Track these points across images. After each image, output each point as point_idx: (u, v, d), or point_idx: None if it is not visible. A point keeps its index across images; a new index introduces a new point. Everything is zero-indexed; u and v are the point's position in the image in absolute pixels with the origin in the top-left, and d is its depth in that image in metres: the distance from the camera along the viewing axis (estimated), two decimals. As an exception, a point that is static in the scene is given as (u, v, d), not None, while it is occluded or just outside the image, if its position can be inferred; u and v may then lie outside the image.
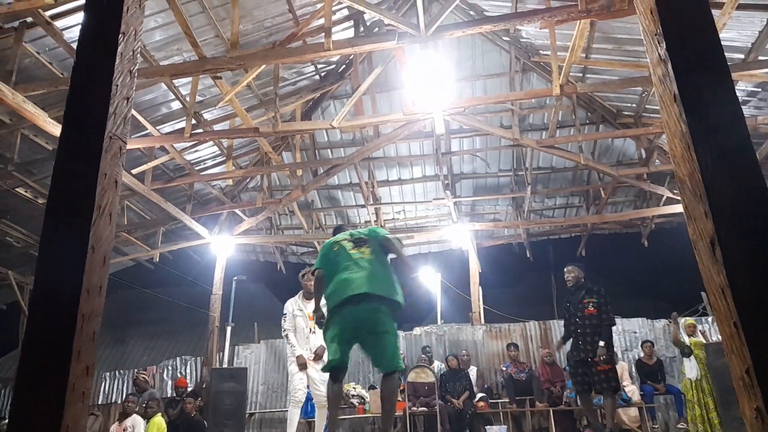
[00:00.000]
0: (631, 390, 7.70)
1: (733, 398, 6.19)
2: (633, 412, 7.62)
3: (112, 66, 2.12)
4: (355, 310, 3.62)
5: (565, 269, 6.21)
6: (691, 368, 7.37)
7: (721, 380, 6.60)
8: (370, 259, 3.86)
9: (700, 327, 8.14)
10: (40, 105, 5.82)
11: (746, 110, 7.54)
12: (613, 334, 9.37)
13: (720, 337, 1.79)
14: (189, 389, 9.07)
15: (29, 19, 5.65)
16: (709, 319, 9.05)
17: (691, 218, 1.86)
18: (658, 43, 2.05)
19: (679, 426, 7.88)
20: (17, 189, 8.07)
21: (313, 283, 4.52)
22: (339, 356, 3.71)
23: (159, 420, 7.21)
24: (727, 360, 1.74)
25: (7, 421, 1.79)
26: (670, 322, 8.86)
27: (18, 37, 5.67)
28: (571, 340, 5.96)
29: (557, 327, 9.81)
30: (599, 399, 7.44)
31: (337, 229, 4.48)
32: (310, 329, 5.69)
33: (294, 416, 5.69)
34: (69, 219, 1.90)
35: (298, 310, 5.81)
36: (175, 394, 8.85)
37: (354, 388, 8.61)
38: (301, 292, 5.95)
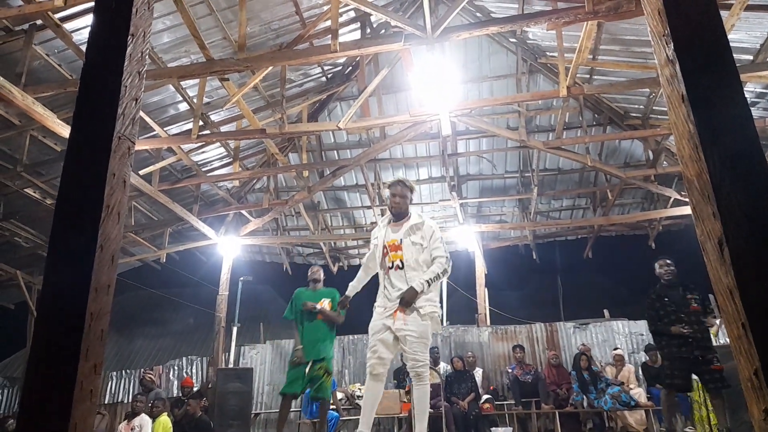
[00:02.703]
0: (638, 393, 7.66)
1: (741, 401, 6.13)
2: (639, 415, 7.58)
3: (121, 67, 2.13)
4: None
5: (666, 262, 5.75)
6: None
7: (729, 382, 6.54)
8: None
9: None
10: (49, 106, 5.87)
11: (755, 112, 7.49)
12: (623, 337, 9.47)
13: (728, 339, 1.78)
14: (195, 389, 9.10)
15: (39, 22, 5.69)
16: (717, 321, 8.98)
17: (699, 219, 1.85)
18: (666, 44, 2.05)
19: (687, 429, 7.82)
20: (26, 190, 8.13)
21: (403, 202, 4.11)
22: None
23: (165, 420, 7.25)
24: (735, 362, 1.73)
25: (15, 420, 1.80)
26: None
27: (28, 39, 5.72)
28: (668, 336, 5.56)
29: (563, 329, 9.79)
30: (605, 403, 7.41)
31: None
32: (394, 264, 3.96)
33: (367, 392, 3.99)
34: (78, 218, 1.91)
35: (382, 238, 4.09)
36: (181, 394, 8.89)
37: (359, 389, 8.61)
38: (388, 213, 4.26)
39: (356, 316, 5.91)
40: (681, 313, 5.56)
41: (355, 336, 10.25)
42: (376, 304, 4.04)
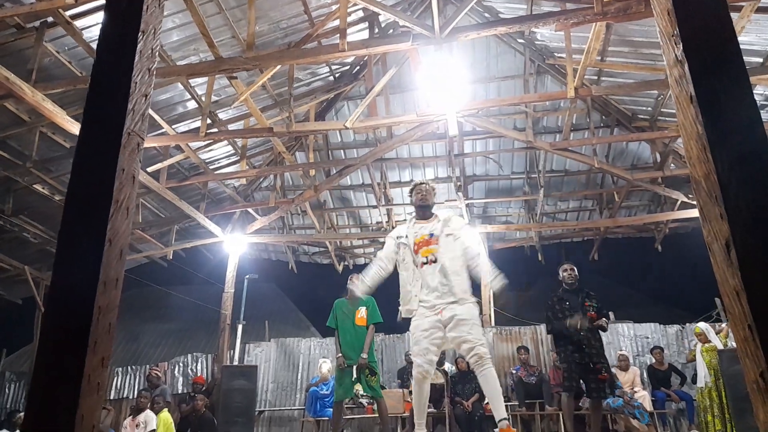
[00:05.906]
0: (642, 396, 7.62)
1: (747, 406, 6.11)
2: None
3: (131, 63, 2.15)
4: None
5: (569, 267, 5.95)
6: (701, 377, 7.30)
7: (735, 387, 6.52)
8: None
9: (717, 328, 7.98)
10: (59, 103, 5.91)
11: (764, 114, 7.45)
12: (628, 340, 9.41)
13: (735, 343, 1.77)
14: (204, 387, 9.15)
15: (50, 19, 5.75)
16: (723, 324, 8.94)
17: (707, 220, 1.85)
18: (675, 44, 2.04)
19: (691, 434, 7.78)
20: (35, 186, 8.19)
21: (430, 197, 4.29)
22: None
23: (166, 415, 7.34)
24: (741, 364, 1.72)
25: (23, 413, 1.83)
26: (683, 328, 8.78)
27: (39, 36, 5.77)
28: (564, 338, 5.69)
29: (569, 331, 9.76)
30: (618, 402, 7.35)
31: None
32: (428, 259, 3.99)
33: (420, 396, 3.92)
34: (87, 213, 1.93)
35: (404, 238, 4.14)
36: (191, 390, 8.94)
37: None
38: (414, 212, 4.36)
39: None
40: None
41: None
42: (413, 305, 3.93)
